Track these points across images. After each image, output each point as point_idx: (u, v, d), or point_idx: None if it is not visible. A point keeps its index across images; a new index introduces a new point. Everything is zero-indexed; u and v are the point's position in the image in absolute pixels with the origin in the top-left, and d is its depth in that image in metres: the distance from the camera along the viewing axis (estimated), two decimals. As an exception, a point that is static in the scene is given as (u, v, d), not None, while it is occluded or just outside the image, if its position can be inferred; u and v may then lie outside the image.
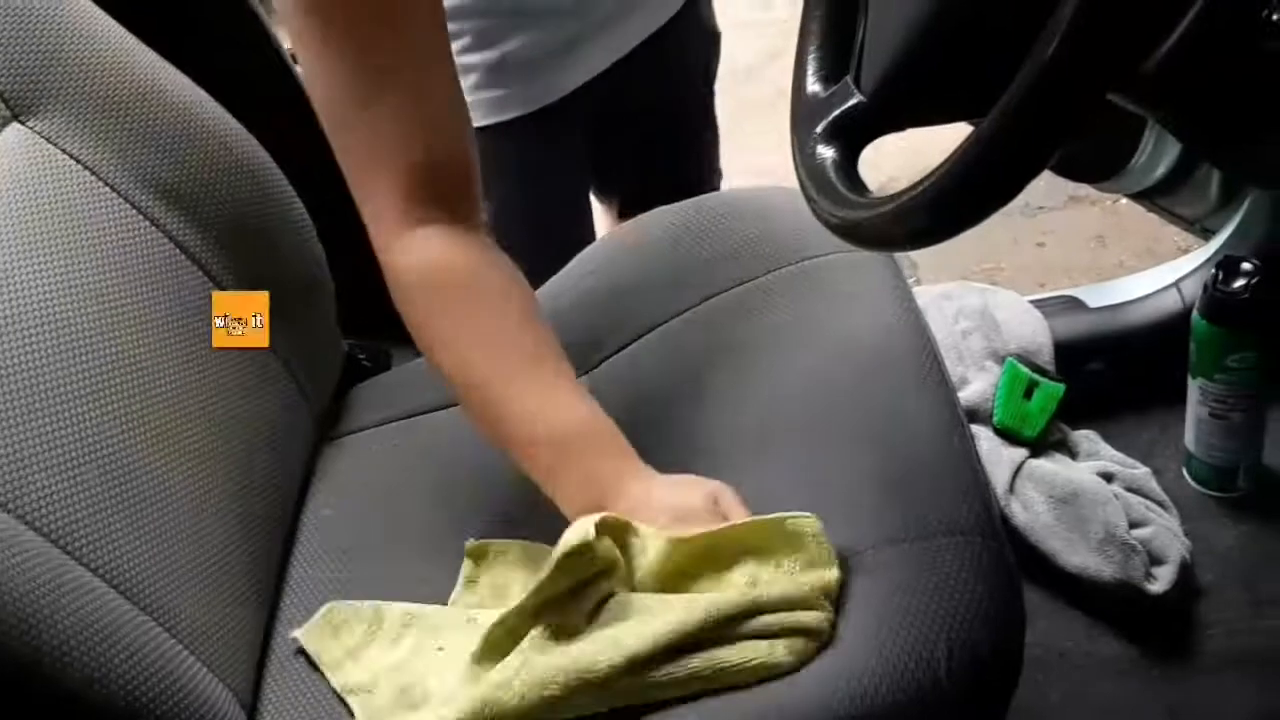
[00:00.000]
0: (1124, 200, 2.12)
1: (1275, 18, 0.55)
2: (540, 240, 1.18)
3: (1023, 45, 0.55)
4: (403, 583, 0.82)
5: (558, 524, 0.70)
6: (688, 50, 1.19)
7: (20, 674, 0.57)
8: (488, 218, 1.09)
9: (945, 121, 0.66)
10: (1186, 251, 1.29)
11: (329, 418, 1.00)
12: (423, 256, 0.77)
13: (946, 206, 0.57)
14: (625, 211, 1.31)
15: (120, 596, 0.66)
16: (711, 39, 1.23)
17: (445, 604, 0.79)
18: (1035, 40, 0.54)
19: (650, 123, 1.20)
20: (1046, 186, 2.16)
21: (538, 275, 1.17)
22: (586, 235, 1.23)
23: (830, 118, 0.67)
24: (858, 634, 0.64)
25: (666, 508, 0.70)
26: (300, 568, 0.87)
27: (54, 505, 0.66)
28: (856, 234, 0.61)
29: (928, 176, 0.59)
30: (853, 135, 0.67)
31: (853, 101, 0.67)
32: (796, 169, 0.69)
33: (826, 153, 0.66)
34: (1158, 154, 1.18)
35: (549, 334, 0.79)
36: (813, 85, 0.71)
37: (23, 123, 0.80)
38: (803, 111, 0.71)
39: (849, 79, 0.68)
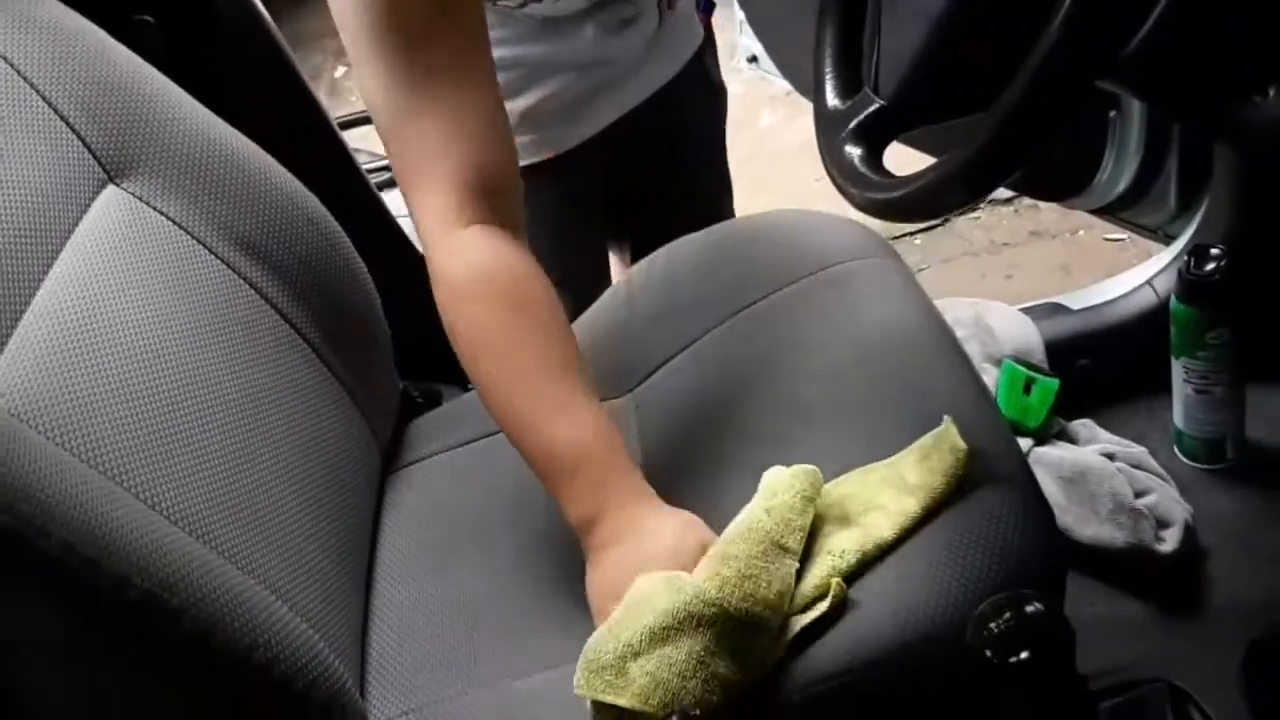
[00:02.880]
0: (1081, 232, 2.27)
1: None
2: (563, 276, 1.27)
3: (1020, 48, 0.66)
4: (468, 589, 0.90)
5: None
6: (695, 103, 1.29)
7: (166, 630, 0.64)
8: None
9: (956, 117, 0.77)
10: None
11: (391, 451, 1.08)
12: (469, 258, 0.82)
13: (970, 176, 0.67)
14: (636, 257, 1.41)
15: (246, 574, 0.73)
16: (717, 92, 1.34)
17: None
18: (1030, 42, 0.66)
19: (661, 171, 1.31)
20: (1008, 225, 2.30)
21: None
22: (604, 274, 1.33)
23: (855, 122, 0.78)
24: (925, 569, 0.73)
25: (663, 538, 0.75)
26: (381, 574, 0.95)
27: (191, 507, 0.74)
28: (891, 209, 0.71)
29: (951, 155, 0.69)
30: (876, 135, 0.77)
31: (874, 107, 0.77)
32: (826, 167, 0.79)
33: (855, 151, 0.77)
34: (1119, 170, 1.29)
35: (575, 345, 0.84)
36: (832, 101, 0.82)
37: (118, 184, 0.88)
38: (827, 123, 0.81)
39: (867, 89, 0.79)
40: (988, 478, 0.76)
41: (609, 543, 0.77)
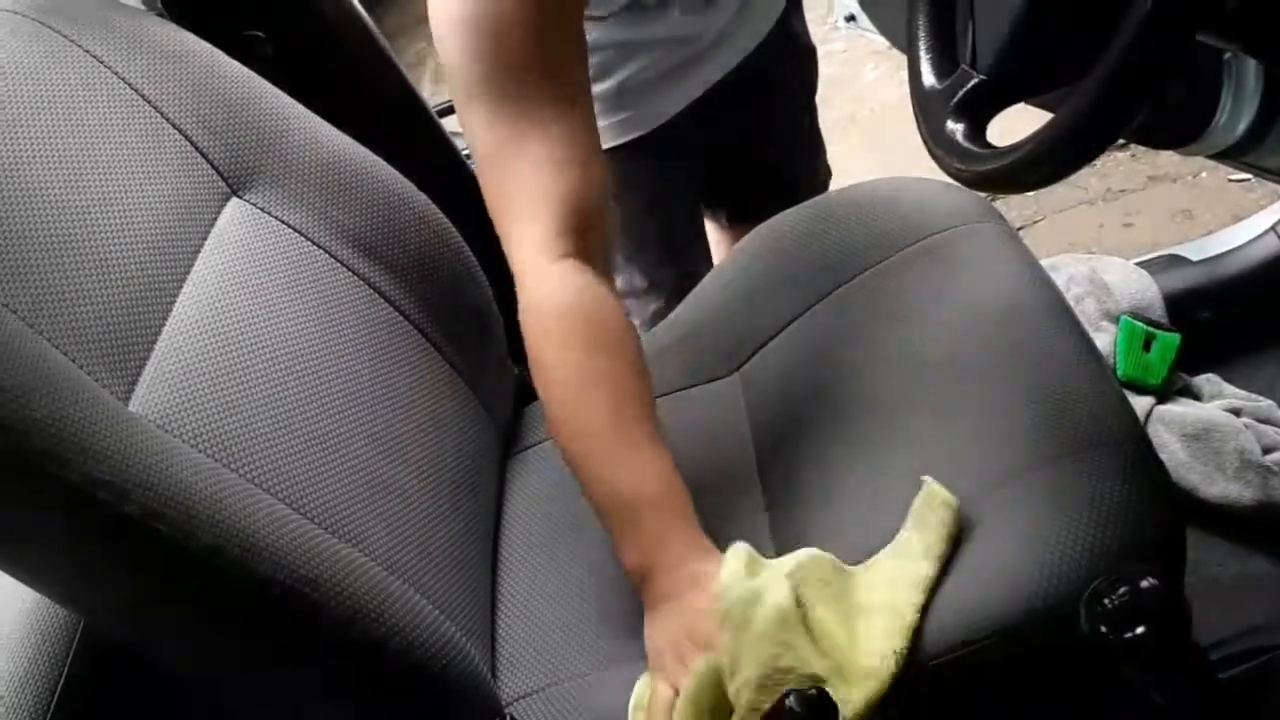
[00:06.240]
0: (1204, 174, 2.18)
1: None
2: (662, 250, 1.29)
3: (1118, 10, 0.65)
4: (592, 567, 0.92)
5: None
6: (782, 67, 1.29)
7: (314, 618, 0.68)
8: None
9: (1057, 87, 0.75)
10: (1273, 212, 1.34)
11: (511, 435, 1.12)
12: (557, 290, 0.84)
13: (1074, 142, 0.66)
14: (733, 220, 1.43)
15: (380, 565, 0.77)
16: (807, 54, 1.34)
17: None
18: (1128, 3, 0.64)
19: (753, 135, 1.32)
20: (1125, 170, 2.22)
21: (658, 284, 1.29)
22: (702, 244, 1.35)
23: (956, 99, 0.77)
24: (1038, 543, 0.72)
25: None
26: (506, 556, 0.98)
27: (326, 503, 0.78)
28: (997, 181, 0.70)
29: (1049, 124, 0.68)
30: (977, 111, 0.76)
31: (973, 83, 0.76)
32: (927, 144, 0.79)
33: (956, 126, 0.76)
34: (1237, 112, 1.24)
35: (648, 384, 0.86)
36: (929, 80, 0.81)
37: (240, 197, 0.92)
38: (925, 102, 0.80)
39: (964, 66, 0.78)
40: (1101, 447, 0.76)
41: (667, 597, 0.78)
